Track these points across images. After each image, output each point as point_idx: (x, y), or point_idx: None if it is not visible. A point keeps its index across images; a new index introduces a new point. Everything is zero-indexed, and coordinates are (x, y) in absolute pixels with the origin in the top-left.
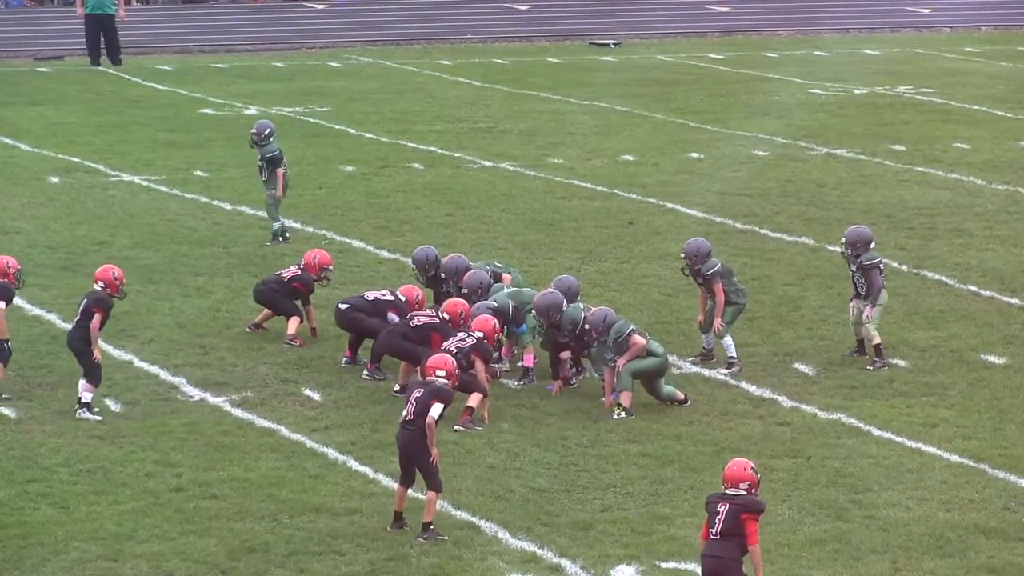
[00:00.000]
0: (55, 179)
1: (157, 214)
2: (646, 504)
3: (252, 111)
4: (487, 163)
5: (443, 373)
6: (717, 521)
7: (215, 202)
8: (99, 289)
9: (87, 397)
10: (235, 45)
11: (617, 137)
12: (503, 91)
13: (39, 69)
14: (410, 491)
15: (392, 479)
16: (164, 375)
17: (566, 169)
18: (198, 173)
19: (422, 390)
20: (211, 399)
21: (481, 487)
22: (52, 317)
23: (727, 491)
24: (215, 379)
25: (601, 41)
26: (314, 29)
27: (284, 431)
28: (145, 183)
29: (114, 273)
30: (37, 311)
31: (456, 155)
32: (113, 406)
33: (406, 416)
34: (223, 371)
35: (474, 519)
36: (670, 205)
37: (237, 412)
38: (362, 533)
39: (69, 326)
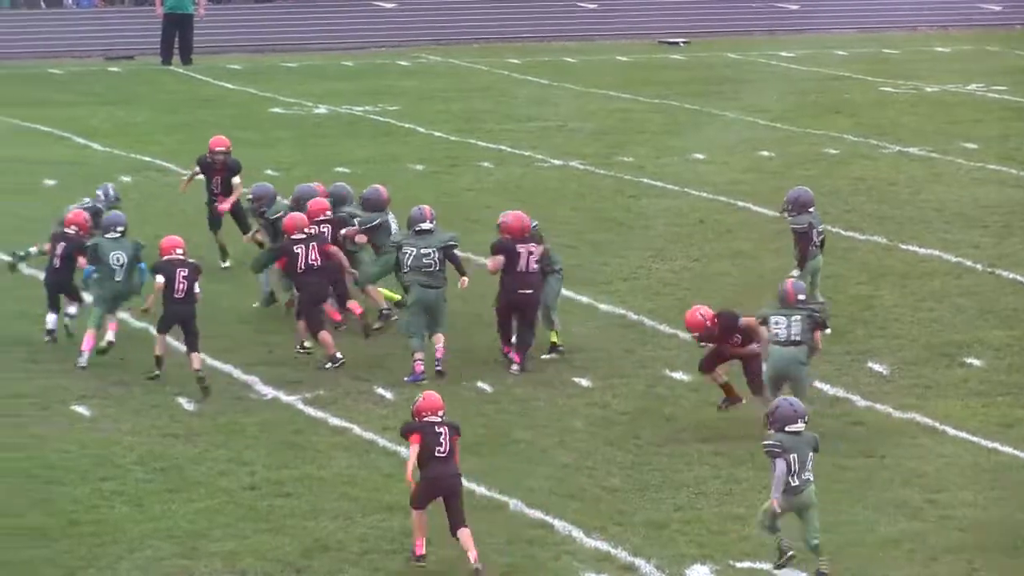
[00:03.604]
0: (127, 178)
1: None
2: (720, 504)
3: (322, 110)
4: (557, 161)
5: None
6: (443, 441)
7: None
8: (74, 233)
9: (73, 310)
10: (306, 44)
11: (687, 135)
12: (572, 89)
13: (110, 68)
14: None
15: (465, 477)
16: (237, 373)
17: (636, 167)
18: (268, 172)
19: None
20: (284, 398)
21: (554, 486)
22: (124, 315)
23: (429, 418)
24: (287, 378)
25: (670, 39)
26: (384, 28)
27: (356, 429)
28: None
29: (85, 217)
30: None
31: (526, 154)
32: (186, 404)
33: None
34: (295, 370)
35: (548, 518)
36: (741, 203)
37: (309, 410)
38: (435, 531)
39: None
